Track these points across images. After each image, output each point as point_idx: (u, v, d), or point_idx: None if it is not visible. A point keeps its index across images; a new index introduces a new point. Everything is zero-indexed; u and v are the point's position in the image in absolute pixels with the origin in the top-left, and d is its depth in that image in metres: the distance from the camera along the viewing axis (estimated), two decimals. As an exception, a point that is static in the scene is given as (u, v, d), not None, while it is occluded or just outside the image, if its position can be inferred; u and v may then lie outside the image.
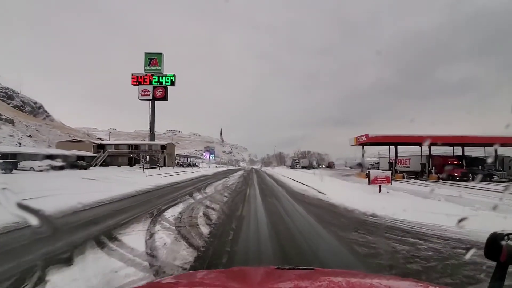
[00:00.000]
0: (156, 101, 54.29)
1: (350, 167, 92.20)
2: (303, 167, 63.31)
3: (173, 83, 54.21)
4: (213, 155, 79.07)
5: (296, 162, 63.61)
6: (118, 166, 39.43)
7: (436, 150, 35.14)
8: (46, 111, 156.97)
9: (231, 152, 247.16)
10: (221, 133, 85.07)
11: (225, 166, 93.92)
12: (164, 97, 53.80)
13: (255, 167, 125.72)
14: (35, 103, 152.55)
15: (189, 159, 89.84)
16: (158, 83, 53.71)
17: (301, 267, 1.43)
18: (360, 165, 79.70)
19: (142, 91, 53.49)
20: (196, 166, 67.50)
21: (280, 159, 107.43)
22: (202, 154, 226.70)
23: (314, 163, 65.23)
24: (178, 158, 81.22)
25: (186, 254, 4.28)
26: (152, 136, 53.01)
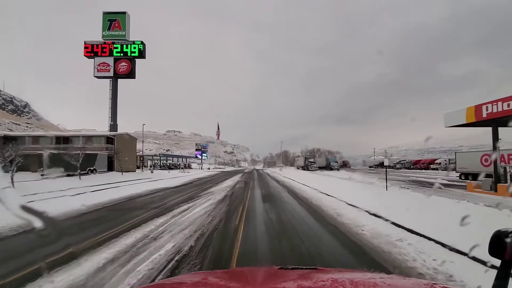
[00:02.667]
0: (120, 80, 37.62)
1: (369, 167, 74.98)
2: (320, 168, 46.34)
3: (142, 54, 37.47)
4: (206, 155, 62.49)
5: (312, 162, 46.71)
6: (34, 171, 22.85)
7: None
8: (32, 110, 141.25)
9: (232, 152, 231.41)
10: (218, 129, 68.44)
11: (221, 167, 76.97)
12: (130, 74, 37.05)
13: (257, 167, 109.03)
14: (21, 101, 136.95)
15: (184, 160, 73.27)
16: (121, 54, 36.99)
17: (304, 267, 1.35)
18: (400, 163, 61.99)
19: (99, 65, 36.79)
20: (186, 168, 50.51)
21: (286, 158, 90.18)
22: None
23: (334, 162, 48.14)
24: (165, 158, 64.40)
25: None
26: (113, 127, 36.31)
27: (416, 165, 58.51)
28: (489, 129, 13.35)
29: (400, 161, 61.37)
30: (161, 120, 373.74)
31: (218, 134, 73.07)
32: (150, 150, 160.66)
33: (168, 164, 59.04)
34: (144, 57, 37.90)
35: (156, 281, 3.28)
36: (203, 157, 63.26)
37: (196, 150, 66.39)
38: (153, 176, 25.43)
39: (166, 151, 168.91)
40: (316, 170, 44.96)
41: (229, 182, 19.84)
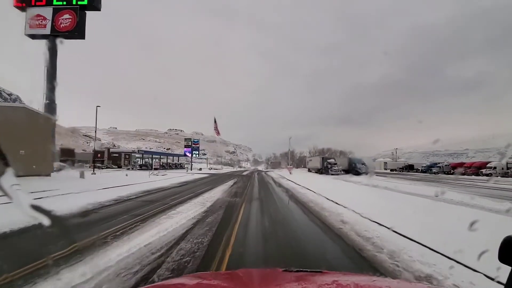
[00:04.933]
0: (65, 41, 25.41)
1: (390, 170, 61.98)
2: (343, 171, 33.71)
3: (93, 3, 25.18)
4: (197, 152, 49.91)
5: (333, 164, 33.92)
6: None
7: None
8: (24, 104, 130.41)
9: (234, 152, 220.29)
10: (215, 123, 56.14)
11: (218, 167, 64.54)
12: (76, 31, 24.72)
13: (259, 168, 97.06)
14: (10, 94, 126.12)
15: (176, 159, 61.24)
16: (64, 3, 24.75)
17: (308, 270, 1.28)
18: (437, 167, 48.18)
19: (32, 19, 24.61)
20: (159, 169, 38.06)
21: (292, 159, 77.28)
22: (204, 154, 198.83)
23: (361, 165, 35.25)
24: (150, 156, 51.99)
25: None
26: (49, 109, 24.11)
27: (456, 169, 45.56)
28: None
29: (436, 164, 48.32)
30: (163, 119, 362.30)
31: (216, 130, 60.46)
32: (150, 148, 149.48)
33: (151, 163, 46.84)
34: (98, 9, 25.62)
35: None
36: (194, 155, 50.70)
37: (185, 146, 53.40)
38: (63, 188, 12.90)
39: (167, 149, 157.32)
40: (339, 173, 32.33)
41: (191, 212, 7.36)
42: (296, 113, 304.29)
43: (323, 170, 34.84)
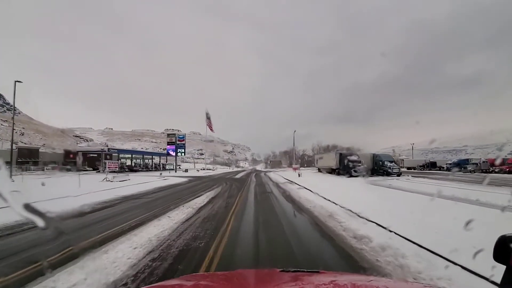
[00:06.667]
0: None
1: (407, 168, 53.20)
2: (373, 173, 24.94)
3: None
4: (183, 151, 40.87)
5: (355, 162, 24.93)
6: None
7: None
8: (7, 104, 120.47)
9: (232, 152, 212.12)
10: (208, 119, 47.59)
11: (211, 168, 55.47)
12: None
13: (258, 168, 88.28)
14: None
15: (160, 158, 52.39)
16: None
17: (305, 270, 1.25)
18: (474, 164, 36.79)
19: None
20: (120, 171, 29.03)
21: (294, 157, 68.28)
22: (201, 154, 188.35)
23: (390, 162, 26.39)
24: (130, 156, 42.92)
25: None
26: None
27: (495, 166, 36.80)
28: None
29: (468, 160, 39.44)
30: (160, 119, 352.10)
31: (209, 126, 51.28)
32: (146, 149, 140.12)
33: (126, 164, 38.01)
34: None
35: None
36: (179, 154, 41.70)
37: (168, 144, 44.09)
38: None
39: (163, 150, 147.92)
40: (364, 175, 23.49)
41: None
42: (294, 112, 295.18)
43: (342, 170, 25.92)
